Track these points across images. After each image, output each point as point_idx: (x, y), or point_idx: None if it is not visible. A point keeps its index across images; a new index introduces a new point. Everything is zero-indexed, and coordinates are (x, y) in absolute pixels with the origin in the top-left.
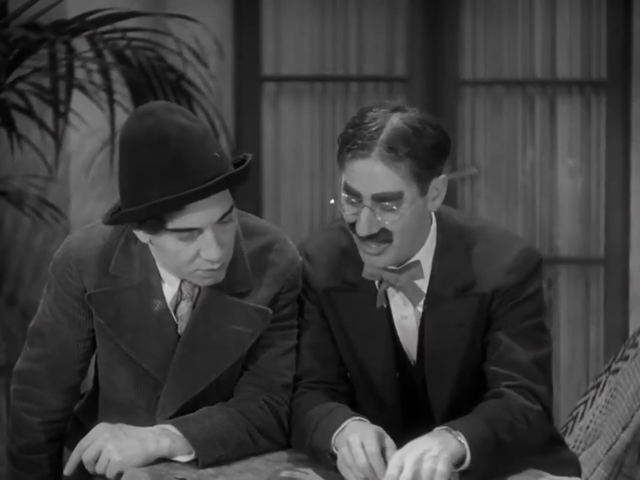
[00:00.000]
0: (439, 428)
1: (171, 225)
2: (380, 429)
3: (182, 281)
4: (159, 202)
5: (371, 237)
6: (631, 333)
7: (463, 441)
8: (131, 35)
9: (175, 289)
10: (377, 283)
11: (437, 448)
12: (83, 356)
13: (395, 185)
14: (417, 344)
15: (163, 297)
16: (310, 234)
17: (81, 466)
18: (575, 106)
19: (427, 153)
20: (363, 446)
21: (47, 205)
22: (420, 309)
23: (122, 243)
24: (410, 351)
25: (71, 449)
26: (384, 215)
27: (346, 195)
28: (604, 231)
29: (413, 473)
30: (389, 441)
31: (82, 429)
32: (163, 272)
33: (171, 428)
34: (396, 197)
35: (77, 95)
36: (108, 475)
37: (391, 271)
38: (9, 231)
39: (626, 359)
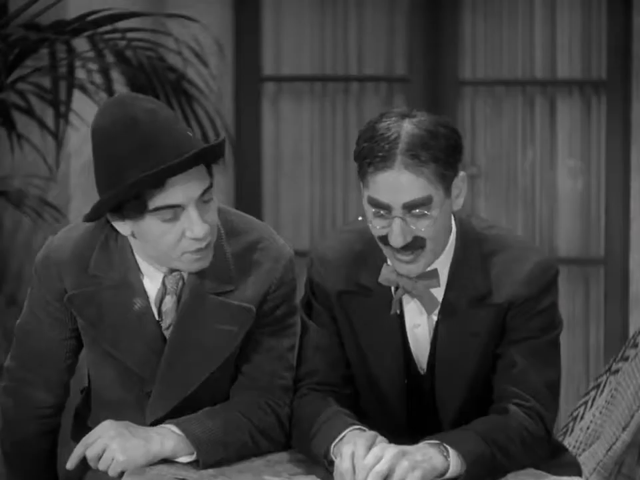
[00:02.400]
0: (427, 442)
1: (152, 205)
2: (374, 433)
3: (165, 275)
4: (138, 179)
5: (406, 247)
6: (631, 333)
7: (448, 458)
8: (131, 35)
9: (158, 284)
10: (392, 289)
11: (420, 456)
12: (68, 354)
13: (423, 190)
14: (429, 353)
15: (144, 294)
16: (310, 234)
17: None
18: (575, 106)
19: (446, 153)
20: (352, 457)
21: (47, 205)
22: (434, 317)
23: (101, 243)
24: (420, 360)
25: (77, 442)
26: (416, 222)
27: (373, 210)
28: (604, 231)
29: (389, 466)
30: (379, 440)
31: (85, 423)
32: (145, 267)
33: (173, 428)
34: (426, 202)
35: (77, 95)
36: (110, 474)
37: (408, 277)
38: (9, 231)
39: (626, 359)
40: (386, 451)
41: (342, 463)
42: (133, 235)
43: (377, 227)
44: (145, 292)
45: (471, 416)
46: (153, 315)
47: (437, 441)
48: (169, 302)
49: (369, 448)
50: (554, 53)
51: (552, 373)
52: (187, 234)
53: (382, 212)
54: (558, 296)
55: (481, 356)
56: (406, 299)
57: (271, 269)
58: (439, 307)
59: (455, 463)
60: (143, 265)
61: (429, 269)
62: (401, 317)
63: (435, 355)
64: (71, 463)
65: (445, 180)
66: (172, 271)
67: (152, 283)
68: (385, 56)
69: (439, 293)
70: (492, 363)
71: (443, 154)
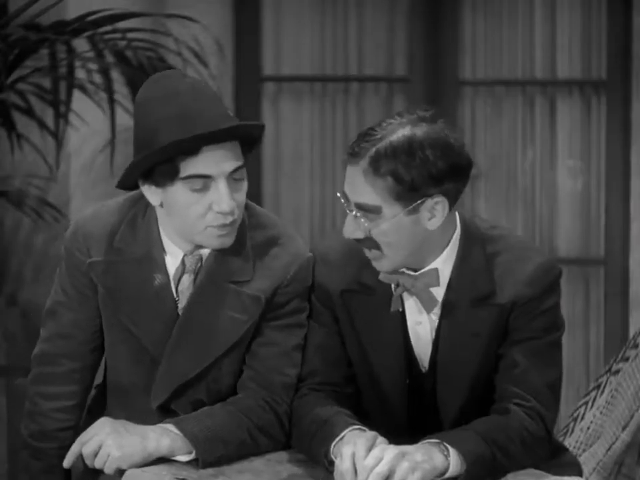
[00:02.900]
0: (427, 441)
1: (183, 172)
2: (375, 434)
3: (185, 254)
4: (173, 142)
5: (359, 242)
6: (631, 333)
7: (449, 458)
8: (131, 35)
9: (178, 261)
10: (393, 286)
11: (421, 456)
12: (93, 334)
13: (373, 199)
14: (431, 351)
15: (164, 271)
16: (310, 234)
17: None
18: (575, 106)
19: (414, 175)
20: (353, 458)
21: (47, 205)
22: (434, 317)
23: (129, 218)
24: (422, 358)
25: None
26: (364, 223)
27: (341, 195)
28: (604, 231)
29: (389, 467)
30: (379, 441)
31: (94, 421)
32: (167, 244)
33: (171, 427)
34: (373, 211)
35: (77, 95)
36: (106, 471)
37: (408, 275)
38: (9, 231)
39: (627, 359)
40: (386, 452)
41: (342, 464)
42: (161, 205)
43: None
44: (165, 269)
45: (471, 416)
46: (172, 292)
47: (437, 440)
48: (186, 281)
49: (370, 448)
50: (554, 53)
51: (553, 373)
52: (214, 207)
53: (345, 204)
54: (560, 297)
55: (482, 356)
56: (406, 296)
57: (287, 264)
58: (440, 306)
59: (455, 462)
60: (166, 242)
61: (428, 267)
62: (403, 314)
63: (436, 354)
64: (67, 461)
65: (404, 199)
66: (193, 250)
67: (173, 260)
68: (385, 56)
69: (439, 292)
70: (494, 363)
71: (407, 174)
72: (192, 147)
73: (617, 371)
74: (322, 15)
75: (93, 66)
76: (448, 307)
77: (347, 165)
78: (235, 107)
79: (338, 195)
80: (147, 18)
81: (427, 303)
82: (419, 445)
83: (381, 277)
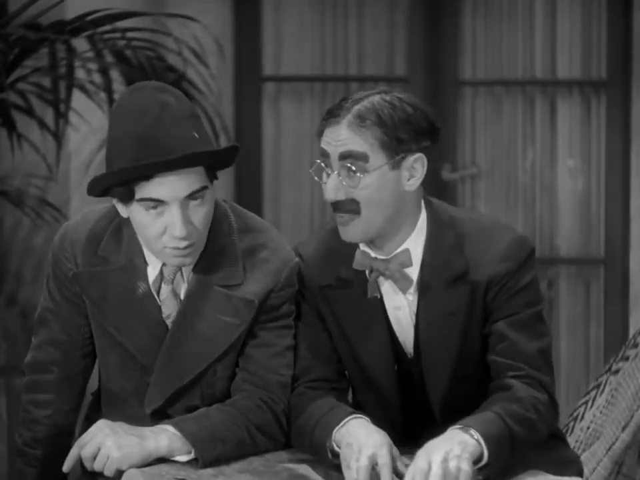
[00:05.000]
0: (453, 428)
1: (138, 195)
2: (386, 437)
3: (163, 264)
4: (125, 168)
5: (338, 205)
6: (631, 333)
7: (480, 440)
8: (130, 34)
9: (157, 271)
10: (367, 272)
11: (458, 448)
12: (84, 341)
13: (360, 146)
14: (413, 335)
15: (147, 280)
16: (310, 234)
17: (83, 464)
18: (574, 106)
19: (397, 125)
20: (374, 458)
21: (47, 205)
22: (411, 297)
23: (114, 227)
24: (406, 344)
25: None
26: (350, 180)
27: (320, 161)
28: (604, 231)
29: (442, 470)
30: (395, 452)
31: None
32: (148, 254)
33: (169, 428)
34: (361, 158)
35: (76, 94)
36: (106, 472)
37: (381, 260)
38: (8, 231)
39: (626, 359)
40: (433, 456)
41: (359, 461)
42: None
43: (322, 181)
44: (147, 277)
45: (459, 399)
46: (156, 301)
47: (465, 427)
48: (165, 291)
49: (392, 456)
50: (554, 53)
51: (542, 340)
52: (168, 230)
53: (324, 164)
54: (536, 272)
55: (461, 335)
56: (381, 282)
57: (279, 268)
58: (415, 286)
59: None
60: (146, 251)
61: (400, 249)
62: (382, 301)
63: (418, 337)
64: (67, 465)
65: (389, 149)
66: None
67: (153, 270)
68: (385, 56)
69: (413, 273)
70: (476, 343)
71: (392, 123)
72: (141, 175)
73: (617, 371)
74: (322, 15)
75: (93, 66)
76: (423, 288)
77: (323, 128)
78: (234, 107)
79: (310, 170)
80: (146, 17)
81: (401, 284)
82: (450, 433)
83: (355, 264)
